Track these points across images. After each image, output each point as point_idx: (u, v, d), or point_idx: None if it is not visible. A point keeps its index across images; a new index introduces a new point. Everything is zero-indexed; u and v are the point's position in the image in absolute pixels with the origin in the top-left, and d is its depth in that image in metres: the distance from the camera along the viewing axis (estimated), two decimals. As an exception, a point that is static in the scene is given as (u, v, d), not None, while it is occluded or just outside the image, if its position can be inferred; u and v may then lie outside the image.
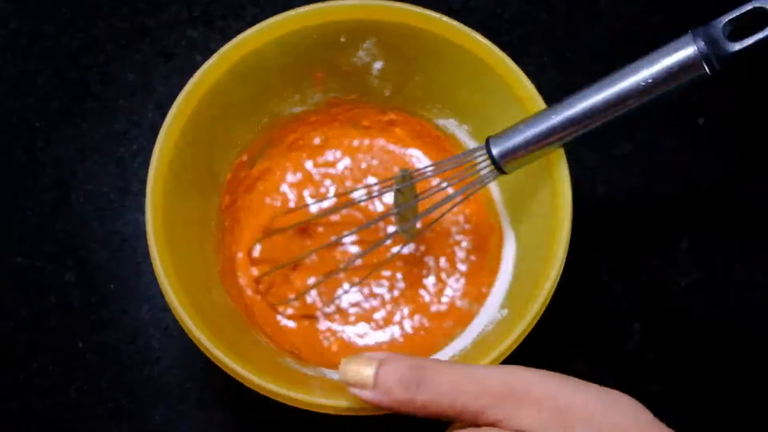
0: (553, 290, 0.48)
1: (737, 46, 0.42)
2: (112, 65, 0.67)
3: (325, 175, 0.63)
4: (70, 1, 0.69)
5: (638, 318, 0.61)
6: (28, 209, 0.63)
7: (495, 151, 0.49)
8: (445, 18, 0.53)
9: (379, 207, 0.62)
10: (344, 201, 0.62)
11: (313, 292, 0.59)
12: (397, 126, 0.63)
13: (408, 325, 0.59)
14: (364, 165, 0.63)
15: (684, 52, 0.43)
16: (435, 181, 0.61)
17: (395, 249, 0.60)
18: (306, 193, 0.62)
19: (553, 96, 0.48)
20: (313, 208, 0.62)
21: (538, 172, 0.52)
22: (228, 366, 0.45)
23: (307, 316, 0.59)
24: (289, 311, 0.59)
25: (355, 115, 0.62)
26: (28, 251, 0.62)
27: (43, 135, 0.65)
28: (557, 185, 0.50)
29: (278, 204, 0.62)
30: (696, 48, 0.43)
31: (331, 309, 0.59)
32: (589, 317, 0.62)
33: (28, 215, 0.63)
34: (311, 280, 0.60)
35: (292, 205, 0.62)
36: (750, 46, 0.42)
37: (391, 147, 0.64)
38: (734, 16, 0.42)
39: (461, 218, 0.61)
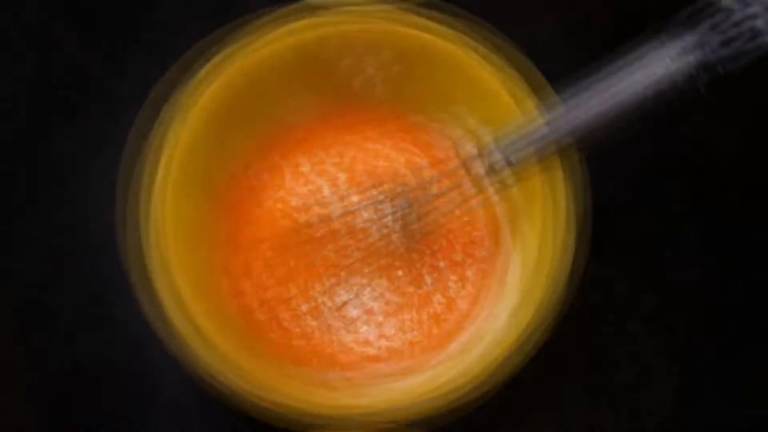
0: (561, 296, 0.48)
1: (732, 65, 0.42)
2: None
3: (324, 181, 0.63)
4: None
5: (648, 319, 0.61)
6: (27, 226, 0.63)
7: (493, 159, 0.49)
8: (442, 27, 0.54)
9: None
10: (341, 207, 0.62)
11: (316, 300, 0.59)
12: (395, 131, 0.63)
13: (409, 328, 0.58)
14: (362, 170, 0.63)
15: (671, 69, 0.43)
16: (434, 190, 0.61)
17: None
18: (305, 200, 0.62)
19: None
20: (309, 217, 0.61)
21: (539, 176, 0.52)
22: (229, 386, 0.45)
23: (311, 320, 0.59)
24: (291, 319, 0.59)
25: (352, 121, 0.62)
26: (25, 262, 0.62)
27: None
28: (558, 188, 0.50)
29: (278, 208, 0.61)
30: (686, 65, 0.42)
31: (332, 313, 0.59)
32: (597, 322, 0.61)
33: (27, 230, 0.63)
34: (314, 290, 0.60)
35: (294, 213, 0.61)
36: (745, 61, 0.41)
37: (390, 152, 0.63)
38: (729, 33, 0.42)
39: (462, 223, 0.61)
